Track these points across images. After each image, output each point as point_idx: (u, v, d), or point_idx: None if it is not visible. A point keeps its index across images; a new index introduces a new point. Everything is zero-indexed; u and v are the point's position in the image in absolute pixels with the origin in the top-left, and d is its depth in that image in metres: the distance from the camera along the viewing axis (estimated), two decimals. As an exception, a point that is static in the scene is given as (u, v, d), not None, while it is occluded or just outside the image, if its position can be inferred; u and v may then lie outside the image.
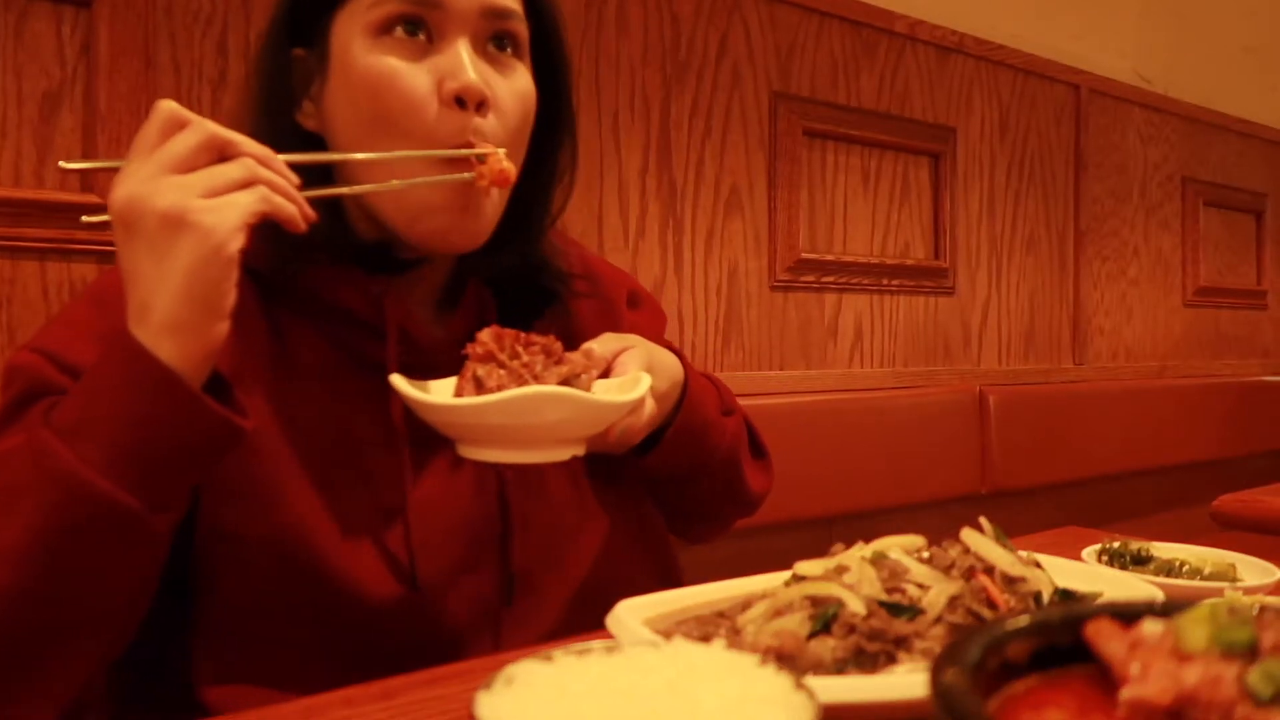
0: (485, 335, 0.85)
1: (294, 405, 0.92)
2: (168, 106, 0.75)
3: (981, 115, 2.56)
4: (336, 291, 0.95)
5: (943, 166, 2.46)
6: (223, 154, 0.75)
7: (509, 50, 0.94)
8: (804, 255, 2.17)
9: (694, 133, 2.00)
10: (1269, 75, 3.49)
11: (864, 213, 2.31)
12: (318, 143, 0.94)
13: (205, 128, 0.75)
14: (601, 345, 0.94)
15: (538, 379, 0.82)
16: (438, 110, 0.89)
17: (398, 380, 0.84)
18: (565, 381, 0.84)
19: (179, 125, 0.75)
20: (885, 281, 2.35)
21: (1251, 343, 3.47)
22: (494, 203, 0.94)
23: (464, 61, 0.89)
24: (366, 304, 0.95)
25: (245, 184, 0.75)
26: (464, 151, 0.89)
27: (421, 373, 0.90)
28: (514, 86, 0.94)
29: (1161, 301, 3.12)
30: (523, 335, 0.86)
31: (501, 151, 0.90)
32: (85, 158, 1.32)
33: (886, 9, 2.31)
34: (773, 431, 1.97)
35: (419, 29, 0.90)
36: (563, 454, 0.86)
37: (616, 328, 1.10)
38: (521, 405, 0.79)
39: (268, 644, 0.90)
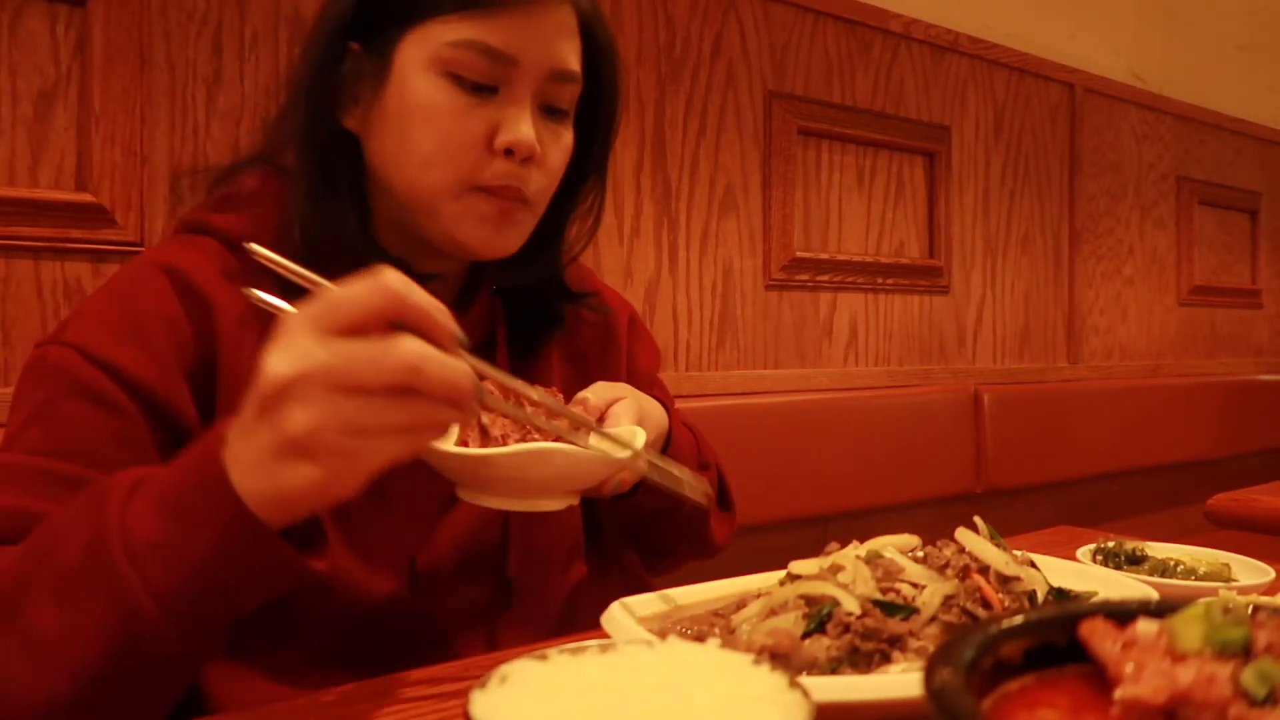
0: (491, 384, 0.86)
1: None
2: (396, 290, 0.63)
3: (976, 114, 2.57)
4: None
5: (937, 165, 2.46)
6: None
7: (563, 108, 0.97)
8: (799, 254, 2.17)
9: (689, 132, 2.00)
10: (1264, 74, 3.50)
11: (859, 212, 2.31)
12: (353, 142, 0.95)
13: (457, 372, 0.64)
14: (596, 395, 0.95)
15: (540, 430, 0.83)
16: (487, 156, 0.91)
17: None
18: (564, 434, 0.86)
19: (402, 313, 0.63)
20: (880, 280, 2.35)
21: (1246, 341, 3.48)
22: (528, 221, 0.97)
23: (526, 121, 0.91)
24: None
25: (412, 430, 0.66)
26: None
27: None
28: (561, 143, 0.97)
29: (1156, 300, 3.13)
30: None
31: None
32: (80, 155, 1.32)
33: (881, 8, 2.31)
34: (767, 431, 1.99)
35: (489, 78, 0.91)
36: (559, 504, 0.87)
37: (615, 353, 1.15)
38: (527, 459, 0.80)
39: (266, 635, 0.91)
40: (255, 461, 0.64)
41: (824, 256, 2.23)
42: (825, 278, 2.24)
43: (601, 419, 0.94)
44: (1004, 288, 2.66)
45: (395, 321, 0.63)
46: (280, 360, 0.62)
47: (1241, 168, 3.41)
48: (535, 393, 0.82)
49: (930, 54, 2.44)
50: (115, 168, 1.35)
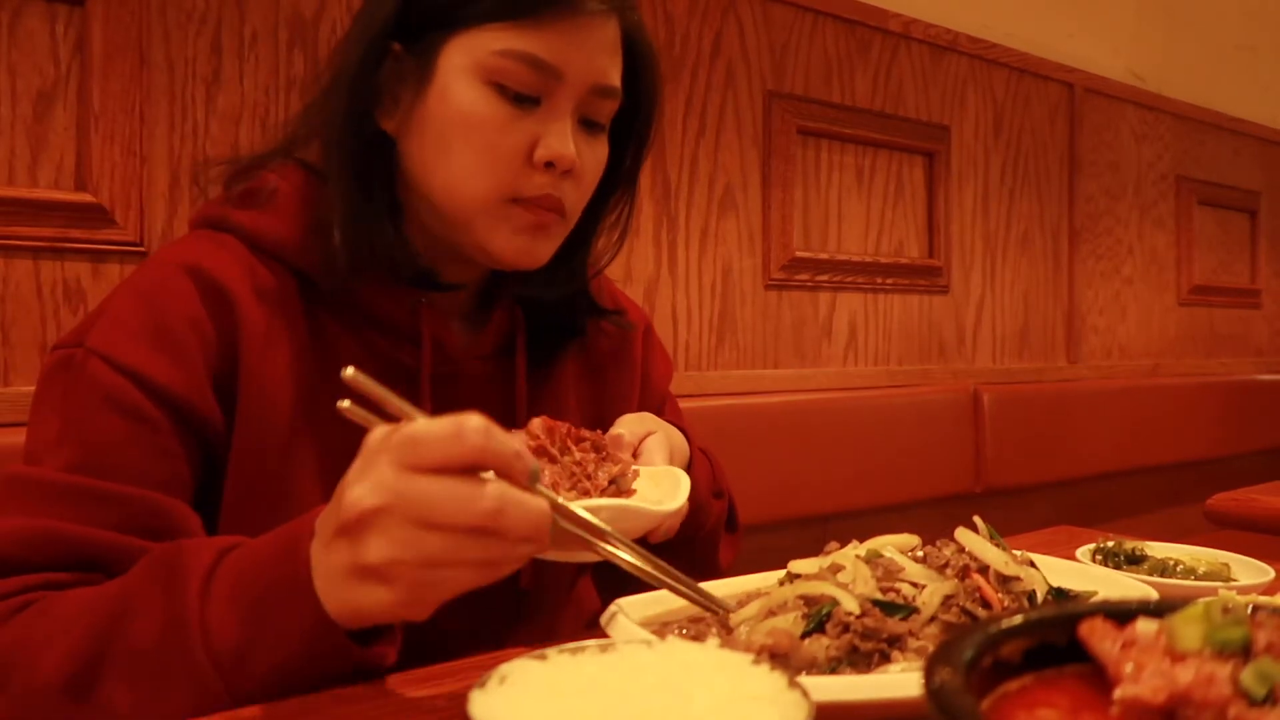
0: (537, 428, 0.86)
1: (326, 409, 0.92)
2: (479, 440, 0.63)
3: (976, 114, 2.57)
4: (376, 299, 0.96)
5: (937, 165, 2.46)
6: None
7: (601, 122, 0.97)
8: (798, 254, 2.17)
9: (688, 131, 2.00)
10: (1263, 73, 3.50)
11: (858, 211, 2.31)
12: (389, 144, 0.95)
13: (536, 512, 0.65)
14: (629, 430, 0.96)
15: (590, 478, 0.84)
16: (526, 169, 0.91)
17: None
18: (613, 480, 0.86)
19: (483, 461, 0.64)
20: (879, 280, 2.35)
21: (1245, 341, 3.48)
22: (562, 233, 0.98)
23: (567, 135, 0.91)
24: (404, 313, 0.96)
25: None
26: None
27: (452, 381, 0.97)
28: (597, 155, 0.97)
29: (1155, 300, 3.13)
30: (573, 430, 0.88)
31: None
32: (79, 155, 1.32)
33: (880, 7, 2.31)
34: (767, 431, 1.99)
35: (532, 89, 0.91)
36: (596, 555, 0.86)
37: (631, 365, 1.16)
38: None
39: None
40: (332, 576, 0.68)
41: (823, 256, 2.23)
42: (825, 277, 2.24)
43: (635, 454, 0.95)
44: (1003, 287, 2.66)
45: (476, 466, 0.64)
46: (362, 490, 0.64)
47: (1241, 168, 3.41)
48: (586, 435, 0.83)
49: (929, 54, 2.44)
50: (115, 167, 1.35)
